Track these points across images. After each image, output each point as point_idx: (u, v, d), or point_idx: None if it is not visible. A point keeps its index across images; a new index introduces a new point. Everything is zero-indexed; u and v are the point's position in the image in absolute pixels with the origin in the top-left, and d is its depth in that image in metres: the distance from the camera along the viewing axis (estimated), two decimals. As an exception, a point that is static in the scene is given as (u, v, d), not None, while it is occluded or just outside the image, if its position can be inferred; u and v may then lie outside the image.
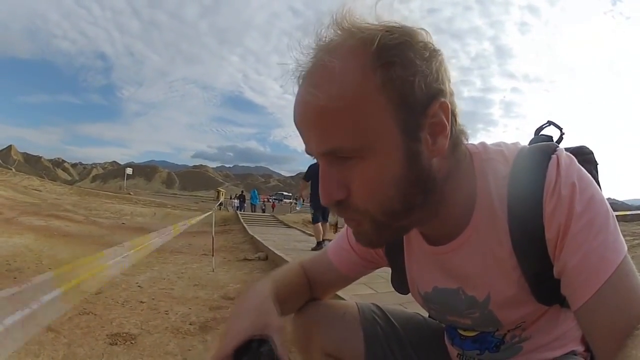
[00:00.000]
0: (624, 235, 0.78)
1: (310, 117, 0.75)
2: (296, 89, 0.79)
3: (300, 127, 0.79)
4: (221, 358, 0.85)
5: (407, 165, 0.75)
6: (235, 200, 43.54)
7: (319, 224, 9.06)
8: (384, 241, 0.91)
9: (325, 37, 0.75)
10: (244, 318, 0.94)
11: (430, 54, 0.75)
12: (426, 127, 0.75)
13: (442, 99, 0.75)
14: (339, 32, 0.74)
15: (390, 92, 0.71)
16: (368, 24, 0.74)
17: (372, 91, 0.71)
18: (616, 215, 0.81)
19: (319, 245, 8.80)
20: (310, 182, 8.83)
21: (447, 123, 0.76)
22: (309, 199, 9.60)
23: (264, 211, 37.90)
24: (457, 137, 0.84)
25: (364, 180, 0.75)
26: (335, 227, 9.87)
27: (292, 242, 11.19)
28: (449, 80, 0.79)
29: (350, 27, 0.73)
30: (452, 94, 0.80)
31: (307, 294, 1.26)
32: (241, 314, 0.97)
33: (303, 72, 0.77)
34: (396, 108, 0.72)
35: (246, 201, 42.18)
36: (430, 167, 0.78)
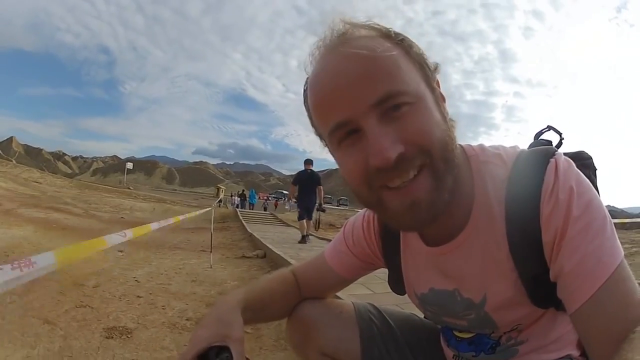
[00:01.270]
0: (623, 243, 0.78)
1: (363, 67, 0.74)
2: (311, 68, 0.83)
3: (340, 85, 0.76)
4: None
5: (441, 115, 0.81)
6: (237, 198, 44.79)
7: (303, 221, 10.65)
8: (441, 206, 0.80)
9: (342, 30, 0.80)
10: (207, 327, 1.01)
11: None
12: (437, 92, 0.84)
13: (437, 76, 0.86)
14: (349, 26, 0.80)
15: (412, 58, 0.80)
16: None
17: (402, 54, 0.79)
18: (616, 223, 0.80)
19: (303, 238, 10.50)
20: (297, 186, 10.55)
21: (444, 95, 0.86)
22: (296, 201, 11.10)
23: (265, 209, 37.95)
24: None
25: (420, 124, 0.75)
26: (317, 225, 11.62)
27: (291, 240, 11.17)
28: None
29: (361, 24, 0.81)
30: None
31: (293, 298, 1.27)
32: (206, 324, 1.04)
33: (330, 45, 0.80)
34: (420, 70, 0.81)
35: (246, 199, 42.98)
36: (451, 126, 0.83)
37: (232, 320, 1.04)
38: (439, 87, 0.86)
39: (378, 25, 0.81)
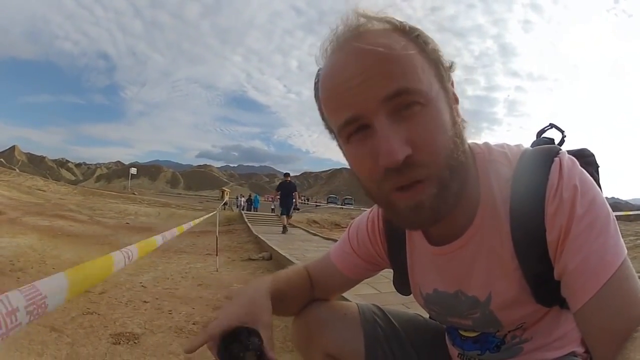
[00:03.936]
0: (627, 235, 0.78)
1: (377, 62, 0.73)
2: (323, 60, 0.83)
3: (353, 80, 0.74)
4: (210, 338, 0.92)
5: (451, 120, 0.78)
6: (242, 199, 46.98)
7: (284, 216, 15.01)
8: (445, 209, 0.80)
9: (355, 23, 0.78)
10: (237, 306, 0.99)
11: None
12: (450, 93, 0.82)
13: (452, 75, 0.84)
14: (364, 20, 0.78)
15: (428, 56, 0.78)
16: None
17: (418, 51, 0.76)
18: (619, 215, 0.80)
19: (285, 228, 14.54)
20: (279, 192, 15.19)
21: (457, 96, 0.84)
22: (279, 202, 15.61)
23: (273, 211, 38.32)
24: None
25: (429, 128, 0.74)
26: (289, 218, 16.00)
27: (297, 241, 11.20)
28: None
29: (375, 17, 0.78)
30: None
31: (308, 295, 1.26)
32: (235, 302, 1.02)
33: (343, 38, 0.79)
34: (435, 69, 0.79)
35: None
36: (460, 130, 0.82)
37: (264, 305, 1.03)
38: (453, 87, 0.84)
39: (393, 18, 0.79)
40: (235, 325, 0.92)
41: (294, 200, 15.26)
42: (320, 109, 0.86)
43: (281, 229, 14.72)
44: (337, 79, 0.77)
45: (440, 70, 0.79)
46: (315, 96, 0.87)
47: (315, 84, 0.85)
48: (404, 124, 0.73)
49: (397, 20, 0.79)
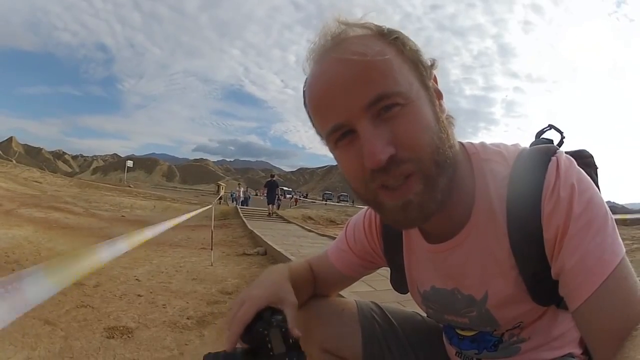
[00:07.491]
0: (624, 239, 0.78)
1: (356, 71, 0.76)
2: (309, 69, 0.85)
3: (335, 90, 0.78)
4: (241, 322, 0.89)
5: (434, 116, 0.80)
6: (241, 189, 47.78)
7: (270, 205, 21.35)
8: (433, 206, 0.81)
9: (336, 31, 0.81)
10: (262, 289, 0.98)
11: None
12: (432, 90, 0.84)
13: (434, 72, 0.86)
14: (344, 27, 0.81)
15: (406, 57, 0.80)
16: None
17: (395, 54, 0.79)
18: (616, 219, 0.80)
19: (269, 215, 20.56)
20: (267, 188, 22.52)
21: (441, 91, 0.87)
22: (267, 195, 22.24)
23: (279, 207, 38.72)
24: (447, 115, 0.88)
25: (410, 126, 0.76)
26: (278, 208, 22.39)
27: (291, 237, 11.21)
28: None
29: (355, 24, 0.81)
30: None
31: (312, 289, 1.27)
32: (260, 286, 1.01)
33: (324, 49, 0.81)
34: (414, 69, 0.81)
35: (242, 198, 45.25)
36: (445, 125, 0.83)
37: (287, 286, 1.04)
38: (436, 83, 0.86)
39: (372, 23, 0.81)
40: (261, 308, 0.92)
41: (277, 195, 22.49)
42: (309, 115, 0.89)
43: (267, 214, 20.99)
44: (320, 89, 0.81)
45: (420, 69, 0.82)
46: (304, 103, 0.89)
47: (304, 92, 0.87)
48: (386, 126, 0.75)
49: (376, 25, 0.81)
